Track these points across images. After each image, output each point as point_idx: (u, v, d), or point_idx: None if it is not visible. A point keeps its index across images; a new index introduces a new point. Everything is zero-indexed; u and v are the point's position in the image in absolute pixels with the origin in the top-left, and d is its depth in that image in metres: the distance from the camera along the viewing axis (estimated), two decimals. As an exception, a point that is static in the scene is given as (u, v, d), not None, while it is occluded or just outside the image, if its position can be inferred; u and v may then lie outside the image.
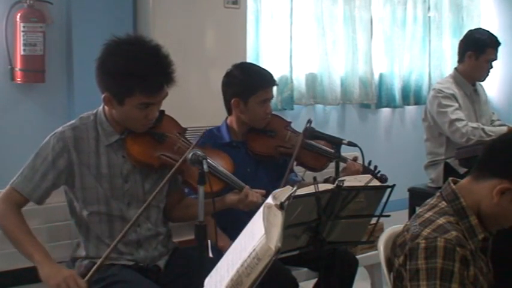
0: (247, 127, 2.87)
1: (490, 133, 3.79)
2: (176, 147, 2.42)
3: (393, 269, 1.95)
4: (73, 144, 2.29)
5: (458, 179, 1.97)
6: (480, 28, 4.39)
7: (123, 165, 2.35)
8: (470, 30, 4.19)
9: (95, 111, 2.40)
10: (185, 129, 2.53)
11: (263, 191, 2.48)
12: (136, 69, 2.22)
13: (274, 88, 2.94)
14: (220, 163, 2.48)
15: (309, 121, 2.81)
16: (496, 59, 4.01)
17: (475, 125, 3.83)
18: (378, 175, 2.69)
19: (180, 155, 2.33)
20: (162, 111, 2.43)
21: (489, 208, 1.85)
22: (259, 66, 2.97)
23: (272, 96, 2.89)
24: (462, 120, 3.82)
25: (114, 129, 2.35)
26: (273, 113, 2.95)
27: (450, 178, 1.97)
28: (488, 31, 4.11)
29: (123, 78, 2.22)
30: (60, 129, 2.33)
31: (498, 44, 4.01)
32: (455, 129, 3.82)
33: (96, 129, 2.35)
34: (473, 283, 1.81)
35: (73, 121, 2.37)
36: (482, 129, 3.80)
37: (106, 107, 2.35)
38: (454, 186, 1.92)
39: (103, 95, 2.29)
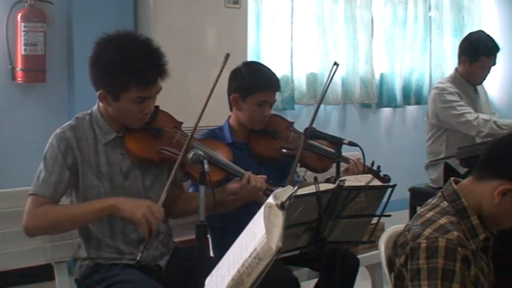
0: (248, 128, 2.86)
1: (503, 126, 3.75)
2: (175, 140, 2.43)
3: (394, 269, 1.95)
4: (75, 143, 2.30)
5: (459, 179, 1.97)
6: (480, 31, 4.31)
7: (122, 162, 2.35)
8: (469, 34, 4.15)
9: (89, 111, 2.39)
10: (181, 123, 2.53)
11: (265, 176, 2.49)
12: (130, 63, 2.23)
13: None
14: (219, 153, 2.50)
15: (336, 64, 2.83)
16: (493, 65, 3.98)
17: (486, 117, 3.81)
18: (381, 176, 2.69)
19: (179, 148, 2.34)
20: (157, 107, 2.44)
21: (490, 208, 1.85)
22: (267, 68, 2.92)
23: (273, 101, 2.85)
24: (472, 113, 3.80)
25: (111, 127, 2.36)
26: (275, 113, 2.93)
27: (452, 178, 1.97)
28: (487, 36, 4.05)
29: (117, 73, 2.23)
30: (59, 130, 2.33)
31: (495, 50, 3.96)
32: (465, 121, 3.79)
33: (93, 128, 2.35)
34: (474, 283, 1.81)
35: (69, 122, 2.36)
36: (494, 122, 3.77)
37: (101, 105, 2.35)
38: (455, 186, 1.92)
39: (98, 93, 2.30)
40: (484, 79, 4.05)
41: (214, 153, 2.46)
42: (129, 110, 2.29)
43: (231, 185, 2.48)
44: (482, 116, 3.80)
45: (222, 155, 2.50)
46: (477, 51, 3.92)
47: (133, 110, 2.29)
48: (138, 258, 2.19)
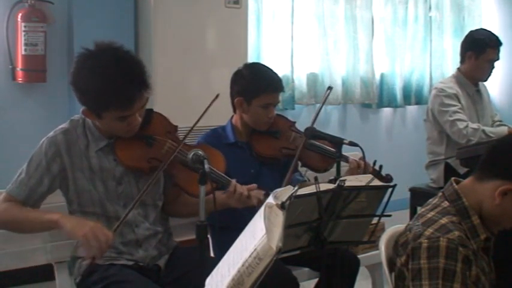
0: (251, 128, 2.86)
1: (491, 134, 3.78)
2: (164, 150, 2.38)
3: (395, 269, 1.95)
4: (65, 148, 2.29)
5: (460, 179, 1.97)
6: (481, 29, 4.37)
7: (115, 168, 2.34)
8: (471, 31, 4.18)
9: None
10: (176, 127, 2.49)
11: (254, 185, 2.46)
12: (107, 86, 2.16)
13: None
14: (212, 163, 2.44)
15: (330, 88, 2.86)
16: (497, 59, 4.00)
17: (475, 126, 3.82)
18: (384, 175, 2.69)
19: (169, 157, 2.30)
20: (151, 110, 2.41)
21: (491, 209, 1.85)
22: (270, 69, 2.90)
23: (277, 102, 2.85)
24: (463, 121, 3.82)
25: (102, 134, 2.34)
26: (277, 113, 2.93)
27: (452, 178, 1.97)
28: (489, 31, 4.10)
29: (95, 97, 2.19)
30: (51, 133, 2.32)
31: (499, 44, 4.00)
32: (456, 130, 3.82)
33: (86, 134, 2.34)
34: (475, 283, 1.81)
35: (64, 124, 2.36)
36: (483, 130, 3.80)
37: None
38: (456, 186, 1.92)
39: (81, 109, 2.28)
40: (490, 75, 4.04)
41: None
42: (114, 126, 2.27)
43: (220, 196, 2.44)
44: (472, 125, 3.81)
45: (215, 165, 2.42)
46: (483, 43, 3.95)
47: (118, 126, 2.27)
48: (77, 281, 2.20)
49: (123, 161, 2.32)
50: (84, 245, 2.09)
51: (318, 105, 5.21)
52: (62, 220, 2.15)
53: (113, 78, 2.17)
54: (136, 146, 2.35)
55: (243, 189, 2.41)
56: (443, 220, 1.84)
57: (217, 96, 2.24)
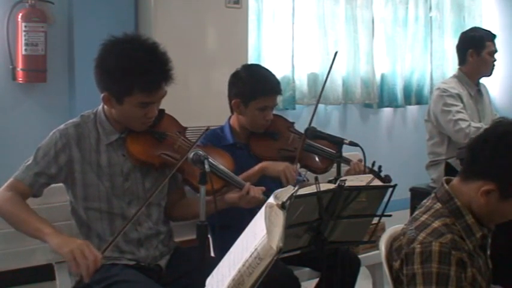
0: (248, 129, 2.86)
1: None
2: (176, 146, 2.42)
3: (393, 272, 1.95)
4: (76, 141, 2.31)
5: (451, 178, 1.96)
6: (472, 27, 4.45)
7: (123, 163, 2.36)
8: (463, 32, 4.23)
9: (94, 110, 2.40)
10: (185, 128, 2.53)
11: (263, 188, 2.47)
12: (134, 67, 2.22)
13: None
14: (220, 162, 2.47)
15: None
16: (496, 51, 4.05)
17: (478, 125, 3.83)
18: (383, 176, 2.68)
19: (180, 153, 2.33)
20: (163, 110, 2.43)
21: (479, 208, 1.85)
22: (268, 71, 2.89)
23: (275, 105, 2.84)
24: (466, 120, 3.82)
25: (114, 128, 2.36)
26: (276, 113, 2.92)
27: (444, 178, 1.96)
28: (480, 28, 4.16)
29: (121, 77, 2.22)
30: (62, 126, 2.34)
31: (494, 36, 4.07)
32: (458, 129, 3.81)
33: (96, 128, 2.35)
34: (472, 284, 1.81)
35: (74, 119, 2.38)
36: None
37: (106, 106, 2.35)
38: (447, 187, 1.91)
39: (102, 95, 2.30)
40: (493, 68, 4.07)
41: (216, 161, 2.43)
42: (133, 114, 2.29)
43: (230, 195, 2.46)
44: (474, 124, 3.82)
45: (224, 164, 2.46)
46: (481, 39, 4.00)
47: (136, 114, 2.30)
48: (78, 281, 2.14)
49: (134, 154, 2.34)
50: (70, 261, 2.04)
51: (319, 104, 5.23)
52: (50, 235, 2.11)
53: (141, 61, 2.23)
54: (148, 141, 2.38)
55: (255, 192, 2.42)
56: (436, 224, 1.83)
57: None
